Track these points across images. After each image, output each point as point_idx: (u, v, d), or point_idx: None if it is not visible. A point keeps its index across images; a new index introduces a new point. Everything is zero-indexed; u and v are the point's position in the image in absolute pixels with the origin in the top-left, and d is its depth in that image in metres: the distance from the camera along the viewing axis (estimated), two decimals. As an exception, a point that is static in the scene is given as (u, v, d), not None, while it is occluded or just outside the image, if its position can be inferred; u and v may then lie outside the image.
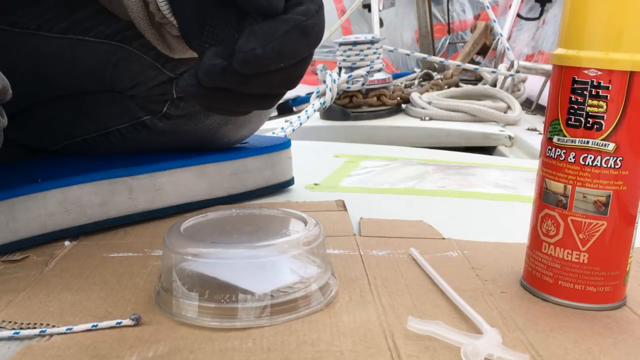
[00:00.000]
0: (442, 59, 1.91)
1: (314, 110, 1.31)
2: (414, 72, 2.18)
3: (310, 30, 0.38)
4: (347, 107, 1.60)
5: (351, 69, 1.58)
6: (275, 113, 1.82)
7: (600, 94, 0.36)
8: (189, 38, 0.42)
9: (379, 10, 2.23)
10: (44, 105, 0.64)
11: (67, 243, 0.52)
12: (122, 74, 0.58)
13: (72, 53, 0.58)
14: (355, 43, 1.57)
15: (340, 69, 1.62)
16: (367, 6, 2.54)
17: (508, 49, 1.83)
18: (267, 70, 0.38)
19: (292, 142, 0.70)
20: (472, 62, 2.42)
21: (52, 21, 0.59)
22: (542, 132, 0.41)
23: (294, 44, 0.38)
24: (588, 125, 0.37)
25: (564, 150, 0.38)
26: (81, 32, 0.58)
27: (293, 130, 1.14)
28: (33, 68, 0.59)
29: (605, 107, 0.36)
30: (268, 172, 0.67)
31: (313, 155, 0.97)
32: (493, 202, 0.67)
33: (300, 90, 2.07)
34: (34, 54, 0.59)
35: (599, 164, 0.37)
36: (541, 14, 2.77)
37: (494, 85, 1.82)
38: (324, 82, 1.43)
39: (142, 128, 0.61)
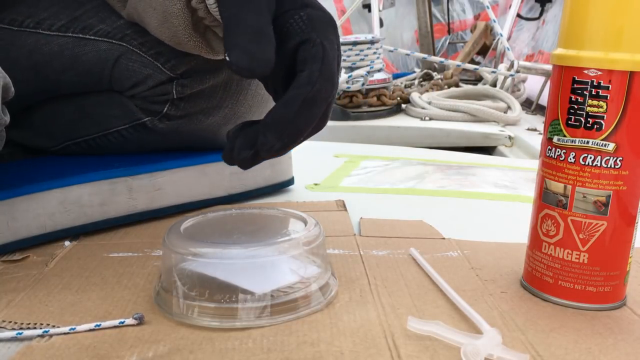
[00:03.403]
0: (442, 59, 1.91)
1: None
2: (414, 72, 2.18)
3: (318, 96, 0.38)
4: (347, 107, 1.60)
5: (351, 69, 1.58)
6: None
7: (600, 94, 0.36)
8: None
9: (379, 10, 2.23)
10: (44, 106, 0.64)
11: (67, 243, 0.52)
12: (122, 73, 0.58)
13: (73, 51, 0.58)
14: (355, 43, 1.57)
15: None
16: (367, 6, 2.54)
17: (508, 49, 1.83)
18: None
19: (292, 142, 0.70)
20: (472, 62, 2.42)
21: (52, 19, 0.59)
22: (542, 132, 0.41)
23: (307, 118, 0.39)
24: (588, 125, 0.37)
25: (564, 150, 0.38)
26: (81, 31, 0.58)
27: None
28: (33, 66, 0.59)
29: (605, 107, 0.36)
30: (268, 172, 0.67)
31: (313, 155, 0.97)
32: (493, 202, 0.67)
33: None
34: (34, 52, 0.59)
35: (599, 164, 0.37)
36: (541, 14, 2.78)
37: (494, 85, 1.82)
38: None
39: (142, 129, 0.61)
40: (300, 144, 0.42)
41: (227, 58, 0.36)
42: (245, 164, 0.41)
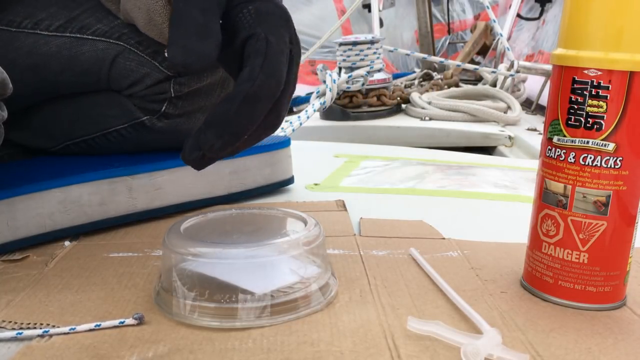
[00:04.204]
0: (442, 59, 1.91)
1: (314, 111, 1.31)
2: (414, 72, 2.18)
3: (260, 92, 0.38)
4: (347, 107, 1.60)
5: (351, 69, 1.58)
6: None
7: (600, 94, 0.36)
8: None
9: (379, 10, 2.23)
10: (43, 107, 0.64)
11: (67, 243, 0.52)
12: (120, 72, 0.58)
13: (70, 51, 0.58)
14: (355, 43, 1.57)
15: (340, 69, 1.62)
16: (367, 6, 2.54)
17: (508, 49, 1.83)
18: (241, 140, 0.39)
19: (292, 142, 0.70)
20: (472, 62, 2.42)
21: (50, 19, 0.59)
22: (542, 132, 0.41)
23: (249, 115, 0.38)
24: (588, 125, 0.37)
25: (564, 150, 0.38)
26: (79, 30, 0.58)
27: (293, 130, 1.14)
28: (31, 67, 0.59)
29: (605, 107, 0.36)
30: (268, 171, 0.67)
31: (313, 155, 0.97)
32: (493, 202, 0.67)
33: (300, 90, 2.07)
34: (32, 53, 0.59)
35: (599, 164, 0.37)
36: (541, 14, 2.77)
37: (494, 85, 1.82)
38: (324, 82, 1.43)
39: (141, 128, 0.61)
40: (252, 144, 0.41)
41: (166, 54, 0.36)
42: (197, 165, 0.40)
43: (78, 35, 0.58)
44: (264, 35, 0.39)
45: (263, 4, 0.40)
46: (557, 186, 0.39)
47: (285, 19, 0.41)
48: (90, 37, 0.58)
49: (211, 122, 0.38)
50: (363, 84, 1.56)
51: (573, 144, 0.37)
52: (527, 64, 1.72)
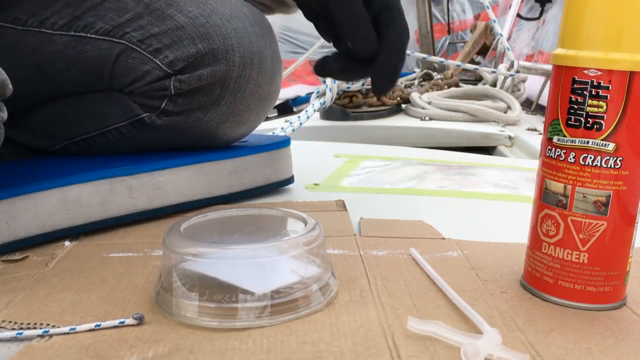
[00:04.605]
0: (442, 59, 1.91)
1: (314, 111, 1.31)
2: (414, 72, 2.18)
3: (404, 48, 0.53)
4: (347, 107, 1.59)
5: (351, 69, 1.57)
6: (275, 113, 1.82)
7: (600, 94, 0.36)
8: None
9: (379, 10, 2.22)
10: (43, 107, 0.64)
11: (67, 243, 0.52)
12: (122, 70, 0.59)
13: (75, 50, 0.59)
14: (355, 43, 1.57)
15: (340, 69, 1.61)
16: (367, 6, 2.53)
17: (508, 49, 1.82)
18: None
19: (292, 142, 0.70)
20: (472, 62, 2.42)
21: (55, 18, 0.60)
22: (542, 132, 0.41)
23: (401, 62, 0.53)
24: (588, 125, 0.37)
25: (564, 150, 0.38)
26: (83, 29, 0.59)
27: (293, 130, 1.14)
28: (35, 65, 0.60)
29: (605, 107, 0.36)
30: (268, 170, 0.67)
31: (313, 155, 0.97)
32: (493, 202, 0.67)
33: (300, 90, 2.07)
34: (38, 51, 0.59)
35: (599, 164, 0.37)
36: (541, 14, 2.77)
37: (494, 85, 1.82)
38: (324, 82, 1.43)
39: (140, 126, 0.61)
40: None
41: None
42: (330, 72, 0.57)
43: (82, 34, 0.59)
44: (397, 7, 0.53)
45: None
46: (557, 186, 0.39)
47: None
48: (93, 36, 0.59)
49: (384, 73, 0.53)
50: (363, 84, 1.56)
51: (573, 144, 0.37)
52: (527, 64, 1.72)
